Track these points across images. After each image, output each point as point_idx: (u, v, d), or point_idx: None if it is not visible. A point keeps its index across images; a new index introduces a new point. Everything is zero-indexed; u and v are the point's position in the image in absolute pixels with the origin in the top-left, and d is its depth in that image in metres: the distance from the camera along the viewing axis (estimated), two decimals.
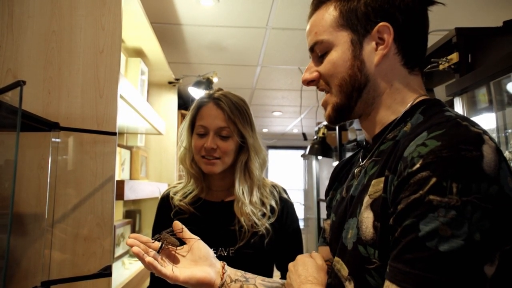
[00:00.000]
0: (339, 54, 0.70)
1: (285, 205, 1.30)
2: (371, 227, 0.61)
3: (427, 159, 0.52)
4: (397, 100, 0.70)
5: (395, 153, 0.60)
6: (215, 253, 1.17)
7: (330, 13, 0.71)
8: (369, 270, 0.60)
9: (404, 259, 0.51)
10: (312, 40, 0.73)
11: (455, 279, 0.48)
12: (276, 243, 1.24)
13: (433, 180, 0.51)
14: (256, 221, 1.21)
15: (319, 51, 0.73)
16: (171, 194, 1.30)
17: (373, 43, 0.68)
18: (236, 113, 1.23)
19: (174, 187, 1.35)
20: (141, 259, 0.77)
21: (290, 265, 0.84)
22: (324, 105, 0.76)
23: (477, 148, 0.51)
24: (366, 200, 0.64)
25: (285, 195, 1.34)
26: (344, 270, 0.68)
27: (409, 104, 0.69)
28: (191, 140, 1.27)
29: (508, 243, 0.49)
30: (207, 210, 1.26)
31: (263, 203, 1.26)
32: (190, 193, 1.28)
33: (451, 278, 0.48)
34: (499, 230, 0.49)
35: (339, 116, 0.74)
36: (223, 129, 1.22)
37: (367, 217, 0.62)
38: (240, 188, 1.24)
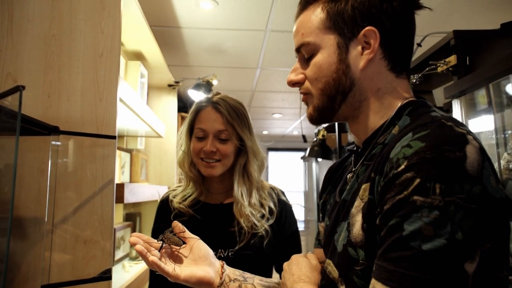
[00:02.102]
0: (325, 57, 0.70)
1: (284, 207, 1.31)
2: (360, 229, 0.62)
3: (412, 160, 0.53)
4: (385, 104, 0.70)
5: (382, 155, 0.61)
6: (214, 254, 1.18)
7: (317, 14, 0.71)
8: (357, 271, 0.61)
9: (389, 257, 0.53)
10: (299, 42, 0.73)
11: (437, 276, 0.49)
12: (275, 245, 1.24)
13: (417, 181, 0.52)
14: (256, 222, 1.22)
15: (305, 53, 0.73)
16: (170, 197, 1.31)
17: (359, 47, 0.68)
18: (234, 116, 1.24)
19: (174, 190, 1.35)
20: (144, 257, 0.77)
21: (285, 265, 0.86)
22: (306, 103, 0.76)
23: (461, 149, 0.52)
24: (357, 203, 0.65)
25: (283, 197, 1.35)
26: (334, 272, 0.68)
27: (397, 108, 0.69)
28: (190, 143, 1.28)
29: (489, 241, 0.50)
30: (206, 212, 1.27)
31: (261, 205, 1.27)
32: (190, 196, 1.29)
33: (433, 276, 0.49)
34: (481, 229, 0.50)
35: (320, 116, 0.74)
36: (222, 132, 1.23)
37: (357, 220, 0.63)
38: (239, 190, 1.25)
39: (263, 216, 1.25)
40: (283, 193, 1.37)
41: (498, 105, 1.45)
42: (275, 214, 1.27)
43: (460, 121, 0.62)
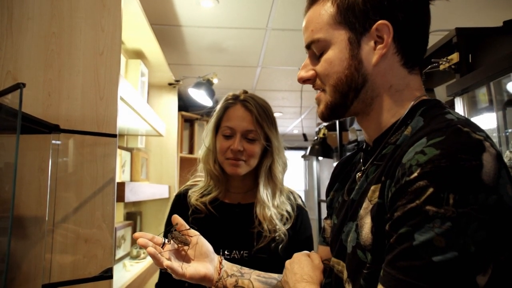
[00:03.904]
0: (336, 53, 0.68)
1: (300, 213, 1.30)
2: (369, 232, 0.61)
3: (425, 168, 0.51)
4: (397, 101, 0.68)
5: (394, 158, 0.60)
6: (228, 255, 1.17)
7: (327, 9, 0.68)
8: (364, 274, 0.61)
9: (398, 266, 0.52)
10: (309, 38, 0.71)
11: None
12: (289, 250, 1.23)
13: (430, 190, 0.50)
14: (278, 224, 1.21)
15: (316, 50, 0.71)
16: (189, 192, 1.29)
17: (372, 42, 0.66)
18: (263, 116, 1.22)
19: (192, 185, 1.33)
20: (156, 259, 0.78)
21: (287, 263, 0.86)
22: (318, 101, 0.74)
23: (477, 157, 0.50)
24: (366, 205, 0.64)
25: (300, 202, 1.33)
26: (345, 272, 0.68)
27: (409, 106, 0.67)
28: (215, 141, 1.26)
29: (504, 253, 0.49)
30: (223, 211, 1.25)
31: (281, 208, 1.26)
32: (209, 193, 1.27)
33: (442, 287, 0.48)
34: (495, 241, 0.49)
35: (332, 114, 0.72)
36: (250, 132, 1.21)
37: (366, 223, 0.62)
38: (264, 192, 1.23)
39: (281, 219, 1.24)
40: (300, 197, 1.35)
41: (500, 103, 1.45)
42: (293, 219, 1.26)
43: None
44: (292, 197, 1.31)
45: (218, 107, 1.29)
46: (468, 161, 0.50)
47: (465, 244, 0.48)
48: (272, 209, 1.21)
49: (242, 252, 1.18)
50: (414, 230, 0.51)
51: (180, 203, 1.29)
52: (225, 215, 1.24)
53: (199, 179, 1.34)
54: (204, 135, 1.31)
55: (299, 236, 1.26)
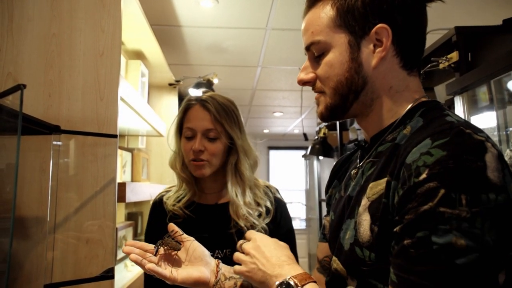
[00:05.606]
0: (336, 56, 0.68)
1: (279, 206, 1.30)
2: (368, 229, 0.61)
3: (434, 169, 0.52)
4: (397, 102, 0.69)
5: (397, 157, 0.60)
6: (211, 255, 1.17)
7: (326, 12, 0.69)
8: (367, 272, 0.61)
9: (418, 271, 0.51)
10: (308, 40, 0.72)
11: None
12: None
13: (442, 191, 0.50)
14: (255, 221, 1.21)
15: (315, 51, 0.71)
16: (164, 199, 1.29)
17: (371, 45, 0.67)
18: (223, 114, 1.22)
19: (167, 191, 1.34)
20: (141, 265, 0.78)
21: (250, 250, 0.75)
22: (317, 102, 0.75)
23: (480, 158, 0.51)
24: (364, 202, 0.64)
25: (278, 195, 1.34)
26: (342, 270, 0.68)
27: (408, 107, 0.68)
28: (180, 143, 1.27)
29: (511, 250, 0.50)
30: (201, 213, 1.26)
31: (258, 204, 1.26)
32: (183, 197, 1.28)
33: None
34: (506, 239, 0.49)
35: (331, 115, 0.73)
36: (210, 130, 1.21)
37: (364, 220, 0.62)
38: (233, 190, 1.23)
39: (260, 215, 1.25)
40: (277, 191, 1.36)
41: (500, 101, 1.45)
42: (272, 212, 1.27)
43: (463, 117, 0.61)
44: (269, 192, 1.32)
45: (179, 109, 1.29)
46: (474, 162, 0.51)
47: (484, 244, 0.48)
48: (243, 207, 1.22)
49: (224, 250, 1.18)
50: (431, 234, 0.50)
51: (157, 211, 1.29)
52: (203, 216, 1.25)
53: (173, 185, 1.35)
54: (169, 140, 1.31)
55: (280, 229, 1.27)
